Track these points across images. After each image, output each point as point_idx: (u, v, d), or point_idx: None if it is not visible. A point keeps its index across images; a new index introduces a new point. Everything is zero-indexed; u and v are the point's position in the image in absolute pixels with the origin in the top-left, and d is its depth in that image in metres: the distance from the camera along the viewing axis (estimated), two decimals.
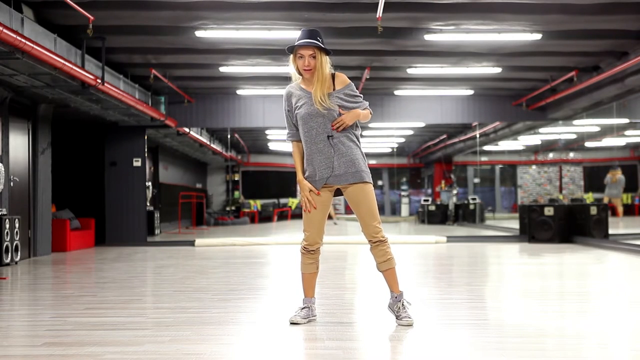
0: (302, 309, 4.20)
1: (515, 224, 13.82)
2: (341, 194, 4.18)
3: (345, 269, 7.92)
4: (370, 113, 4.21)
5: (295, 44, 4.07)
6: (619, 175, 16.06)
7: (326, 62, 4.10)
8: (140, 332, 3.92)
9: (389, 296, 4.21)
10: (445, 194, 21.96)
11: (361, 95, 4.21)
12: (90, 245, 11.75)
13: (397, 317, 4.09)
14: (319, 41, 4.06)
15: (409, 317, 4.07)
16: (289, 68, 4.25)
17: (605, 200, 15.52)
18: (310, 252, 4.16)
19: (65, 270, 8.09)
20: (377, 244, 4.10)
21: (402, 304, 4.12)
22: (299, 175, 4.17)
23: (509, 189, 22.35)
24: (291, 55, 4.16)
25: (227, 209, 22.66)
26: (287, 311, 4.49)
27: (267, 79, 12.17)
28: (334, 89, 4.12)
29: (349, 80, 4.20)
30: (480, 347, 3.48)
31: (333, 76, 4.15)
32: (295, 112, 4.13)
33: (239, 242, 12.01)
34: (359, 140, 4.18)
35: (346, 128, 4.07)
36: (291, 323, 4.12)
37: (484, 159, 21.10)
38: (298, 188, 26.14)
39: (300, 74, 4.16)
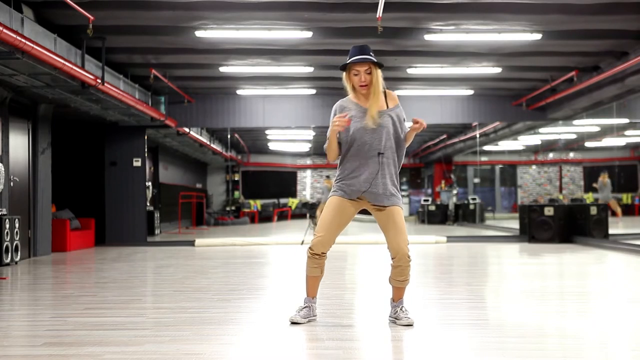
0: (303, 308, 4.20)
1: (515, 224, 13.82)
2: (367, 214, 4.15)
3: (345, 269, 7.92)
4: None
5: (349, 60, 4.04)
6: (606, 179, 16.29)
7: (380, 77, 4.07)
8: (140, 332, 3.92)
9: (388, 303, 4.24)
10: (445, 194, 21.97)
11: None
12: (90, 245, 11.75)
13: (397, 319, 4.10)
14: (371, 56, 4.03)
15: (409, 317, 4.07)
16: (343, 83, 4.17)
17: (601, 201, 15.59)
18: (315, 255, 4.13)
19: (65, 270, 8.09)
20: (403, 266, 4.05)
21: (402, 309, 4.13)
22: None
23: (509, 189, 22.35)
24: (344, 73, 4.12)
25: (227, 209, 22.67)
26: (287, 311, 4.49)
27: (267, 79, 12.17)
28: (387, 107, 4.10)
29: (398, 100, 4.17)
30: (480, 347, 3.48)
31: (384, 93, 4.12)
32: (349, 125, 4.06)
33: (239, 242, 12.01)
34: (398, 167, 4.16)
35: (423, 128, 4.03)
36: (291, 322, 4.13)
37: (484, 159, 21.10)
38: (299, 187, 26.24)
39: (354, 89, 4.12)
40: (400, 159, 4.17)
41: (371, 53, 4.05)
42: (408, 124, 4.18)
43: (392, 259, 4.07)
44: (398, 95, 4.24)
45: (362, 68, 4.03)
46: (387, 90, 4.15)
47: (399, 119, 4.10)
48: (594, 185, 16.77)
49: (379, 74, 4.06)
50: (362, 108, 4.07)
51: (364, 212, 4.18)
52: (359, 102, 4.10)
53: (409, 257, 4.04)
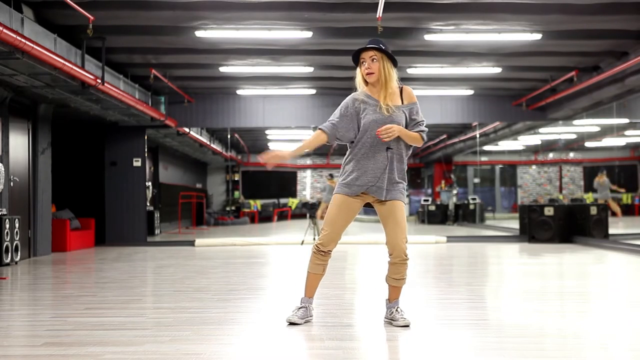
0: (300, 308, 4.17)
1: (515, 224, 13.83)
2: (371, 207, 4.15)
3: (345, 269, 7.92)
4: (423, 139, 4.07)
5: (357, 50, 4.04)
6: (604, 178, 16.33)
7: (390, 66, 4.04)
8: (140, 332, 3.92)
9: (384, 305, 4.23)
10: (445, 194, 21.97)
11: (423, 120, 4.11)
12: (90, 245, 11.75)
13: (393, 320, 4.08)
14: (381, 46, 4.01)
15: (405, 318, 4.06)
16: (355, 80, 4.17)
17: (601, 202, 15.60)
18: (321, 252, 4.09)
19: (65, 270, 8.09)
20: (399, 263, 4.04)
21: (397, 309, 4.11)
22: (293, 150, 4.14)
23: (509, 189, 22.35)
24: (357, 69, 4.11)
25: (227, 209, 22.68)
26: (287, 311, 4.48)
27: (267, 79, 12.17)
28: (402, 103, 4.07)
29: (416, 99, 4.13)
30: (480, 347, 3.48)
31: (401, 89, 4.10)
32: (360, 116, 4.04)
33: (239, 242, 12.01)
34: (406, 162, 4.13)
35: (392, 139, 3.95)
36: (289, 323, 4.11)
37: (484, 159, 21.10)
38: (299, 187, 26.27)
39: (365, 83, 4.11)
40: (408, 156, 4.15)
41: (382, 45, 4.02)
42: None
43: (390, 255, 4.05)
44: None
45: (367, 55, 4.02)
46: (403, 87, 4.13)
47: (409, 116, 4.07)
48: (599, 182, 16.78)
49: (388, 64, 4.02)
50: (375, 100, 4.05)
51: (368, 205, 4.17)
52: (372, 94, 4.09)
53: (406, 255, 4.02)
